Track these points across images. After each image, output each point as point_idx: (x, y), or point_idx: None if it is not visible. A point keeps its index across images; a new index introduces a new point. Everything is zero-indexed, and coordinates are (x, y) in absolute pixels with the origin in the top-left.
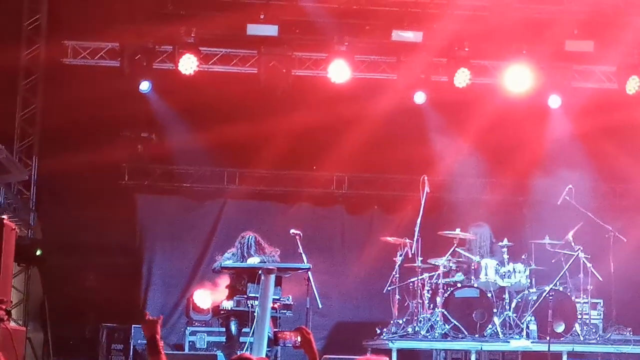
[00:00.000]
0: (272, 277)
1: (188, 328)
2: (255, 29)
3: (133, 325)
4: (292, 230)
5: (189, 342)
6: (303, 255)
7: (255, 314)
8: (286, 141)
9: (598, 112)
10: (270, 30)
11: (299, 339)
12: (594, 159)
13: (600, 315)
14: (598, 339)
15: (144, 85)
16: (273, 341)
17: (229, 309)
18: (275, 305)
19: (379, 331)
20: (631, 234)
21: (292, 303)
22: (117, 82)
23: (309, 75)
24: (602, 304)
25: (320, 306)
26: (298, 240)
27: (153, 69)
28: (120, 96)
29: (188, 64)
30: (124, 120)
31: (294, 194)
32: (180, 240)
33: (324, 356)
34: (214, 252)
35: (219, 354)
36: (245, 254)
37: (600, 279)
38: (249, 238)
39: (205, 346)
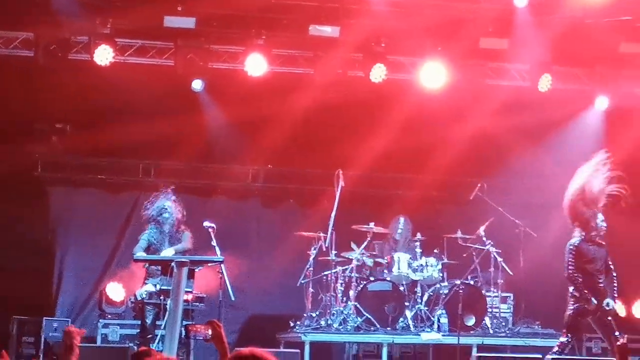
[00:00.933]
0: (185, 270)
1: (100, 321)
2: (172, 21)
3: (44, 318)
4: (205, 223)
5: (102, 335)
6: (216, 248)
7: (168, 306)
8: (202, 134)
9: (512, 109)
10: (188, 22)
11: (209, 332)
12: (508, 155)
13: (510, 308)
14: (507, 332)
15: (60, 76)
16: (185, 334)
17: (142, 298)
18: (188, 298)
19: (292, 324)
20: (542, 229)
21: (204, 296)
22: (31, 72)
23: (226, 68)
24: (512, 298)
25: (233, 299)
26: (211, 233)
27: (68, 60)
28: (34, 87)
29: (104, 55)
30: (38, 112)
31: (210, 187)
32: (93, 232)
33: (236, 349)
34: (128, 245)
35: (132, 346)
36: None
37: (511, 273)
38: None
39: (118, 339)
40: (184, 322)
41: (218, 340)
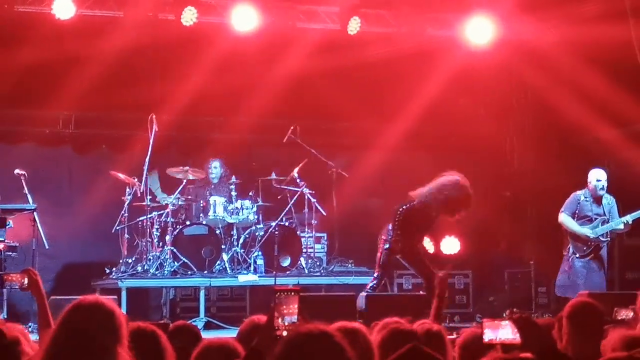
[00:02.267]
0: None
1: None
2: None
3: None
4: (16, 171)
5: None
6: (28, 195)
7: None
8: (9, 78)
9: (324, 52)
10: None
11: (25, 280)
12: (320, 98)
13: (324, 248)
14: (322, 271)
15: None
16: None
17: None
18: (0, 247)
19: (108, 271)
20: (352, 170)
21: (17, 245)
22: None
23: (33, 11)
24: (325, 238)
25: (47, 247)
26: (23, 180)
27: None
28: None
29: None
30: None
31: (18, 134)
32: None
33: (52, 297)
34: None
35: None
36: None
37: (324, 213)
38: None
39: None
40: None
41: (35, 288)
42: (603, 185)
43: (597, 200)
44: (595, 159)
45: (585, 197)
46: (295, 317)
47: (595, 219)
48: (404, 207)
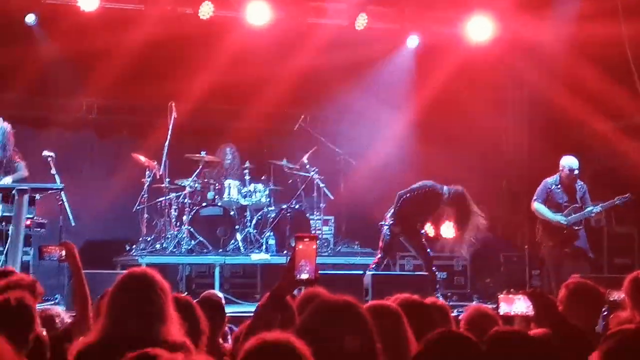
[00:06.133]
0: (26, 197)
1: None
2: None
3: None
4: (44, 153)
5: None
6: (56, 176)
7: (10, 233)
8: (38, 67)
9: (332, 47)
10: None
11: (63, 252)
12: (329, 90)
13: (331, 230)
14: (329, 251)
15: None
16: (38, 255)
17: None
18: (29, 223)
19: (128, 248)
20: (359, 157)
21: (45, 221)
22: None
23: (60, 3)
24: (333, 221)
25: (73, 224)
26: (51, 162)
27: None
28: None
29: None
30: None
31: (46, 119)
32: None
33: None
34: None
35: None
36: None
37: (332, 197)
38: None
39: None
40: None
41: (72, 260)
42: (577, 174)
43: (568, 187)
44: (586, 149)
45: (556, 185)
46: (314, 260)
47: (566, 206)
48: (407, 194)
